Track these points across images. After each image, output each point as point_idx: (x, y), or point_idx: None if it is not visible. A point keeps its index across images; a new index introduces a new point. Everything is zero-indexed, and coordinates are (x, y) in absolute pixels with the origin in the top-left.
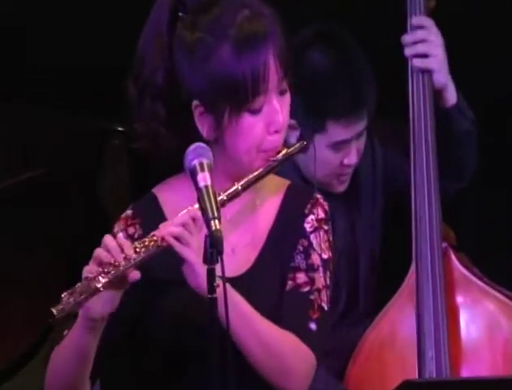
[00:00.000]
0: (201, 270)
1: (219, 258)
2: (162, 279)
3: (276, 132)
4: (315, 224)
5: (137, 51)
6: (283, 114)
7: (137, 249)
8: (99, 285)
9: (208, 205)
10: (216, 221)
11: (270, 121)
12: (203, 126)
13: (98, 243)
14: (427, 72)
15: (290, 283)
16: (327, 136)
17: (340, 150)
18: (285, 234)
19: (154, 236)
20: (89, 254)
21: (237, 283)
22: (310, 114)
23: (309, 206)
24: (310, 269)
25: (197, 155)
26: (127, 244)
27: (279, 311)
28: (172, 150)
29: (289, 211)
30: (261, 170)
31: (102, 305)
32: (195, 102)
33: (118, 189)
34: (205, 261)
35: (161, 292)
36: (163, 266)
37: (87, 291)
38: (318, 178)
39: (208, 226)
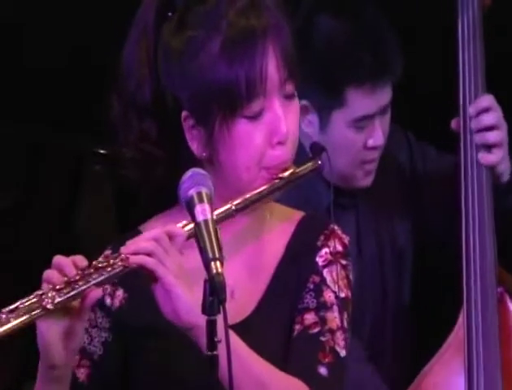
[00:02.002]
0: (180, 293)
1: (222, 308)
2: (141, 326)
3: (280, 143)
4: (329, 257)
5: (122, 62)
6: (289, 122)
7: (99, 266)
8: (49, 305)
9: (208, 243)
10: (218, 263)
11: (271, 130)
12: (193, 141)
13: None
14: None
15: (298, 327)
16: (348, 111)
17: (362, 129)
18: (294, 272)
19: (120, 254)
20: None
21: (237, 331)
22: (326, 87)
23: (322, 238)
24: (322, 307)
25: (195, 183)
26: (82, 260)
27: (283, 360)
28: (163, 179)
29: (300, 246)
30: (263, 188)
31: (64, 341)
32: (184, 113)
33: (99, 224)
34: (203, 311)
35: (141, 343)
36: (141, 311)
37: (33, 310)
38: (339, 169)
39: (208, 269)
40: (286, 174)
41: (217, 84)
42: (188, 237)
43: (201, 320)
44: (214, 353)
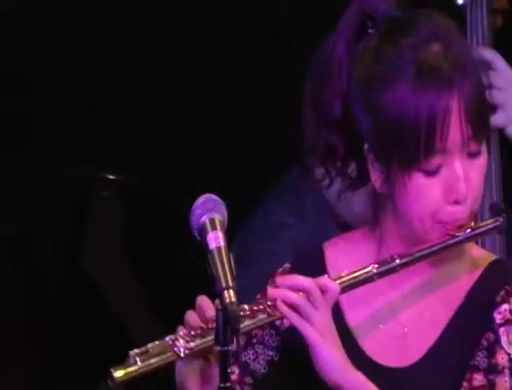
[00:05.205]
0: (324, 352)
1: (235, 339)
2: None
3: (457, 202)
4: (508, 316)
5: (317, 69)
6: (470, 181)
7: (241, 314)
8: (180, 350)
9: (221, 271)
10: (231, 292)
11: (449, 188)
12: (374, 175)
13: (83, 319)
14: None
15: (465, 384)
16: None
17: None
18: (470, 323)
19: (266, 299)
20: (71, 331)
21: (405, 375)
22: None
23: (502, 293)
24: (493, 370)
25: (207, 210)
26: None
27: None
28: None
29: (480, 297)
30: (434, 245)
31: (199, 383)
32: (366, 146)
33: (108, 254)
34: (217, 341)
35: (306, 365)
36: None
37: (163, 355)
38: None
39: (220, 298)
40: (461, 233)
41: (395, 129)
42: (342, 291)
43: (348, 379)
44: (227, 385)
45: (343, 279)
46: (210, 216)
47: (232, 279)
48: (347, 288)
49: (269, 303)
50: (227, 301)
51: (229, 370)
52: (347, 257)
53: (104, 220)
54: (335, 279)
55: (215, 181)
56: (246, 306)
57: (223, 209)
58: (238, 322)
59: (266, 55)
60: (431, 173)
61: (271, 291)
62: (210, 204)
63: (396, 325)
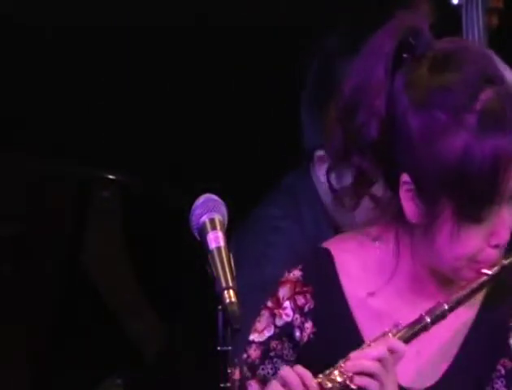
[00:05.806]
0: None
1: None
2: (326, 364)
3: (497, 246)
4: None
5: (350, 90)
6: (510, 226)
7: (323, 385)
8: None
9: (221, 271)
10: (231, 292)
11: (493, 233)
12: (408, 205)
13: (83, 319)
14: None
15: None
16: None
17: None
18: (484, 346)
19: (341, 367)
20: (71, 331)
21: None
22: None
23: None
24: None
25: (207, 210)
26: (307, 376)
27: None
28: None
29: (491, 317)
30: (473, 286)
31: None
32: (405, 176)
33: (108, 254)
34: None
35: None
36: (328, 348)
37: None
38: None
39: (221, 298)
40: (494, 269)
41: (455, 178)
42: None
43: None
44: (227, 385)
45: (401, 333)
46: (210, 216)
47: (232, 279)
48: (406, 341)
49: (343, 371)
50: (228, 301)
51: (229, 371)
52: (356, 259)
53: (104, 220)
54: (395, 334)
55: (215, 181)
56: (329, 383)
57: (223, 209)
58: (238, 322)
59: (266, 55)
60: (480, 221)
61: (349, 365)
62: (210, 204)
63: (411, 347)
